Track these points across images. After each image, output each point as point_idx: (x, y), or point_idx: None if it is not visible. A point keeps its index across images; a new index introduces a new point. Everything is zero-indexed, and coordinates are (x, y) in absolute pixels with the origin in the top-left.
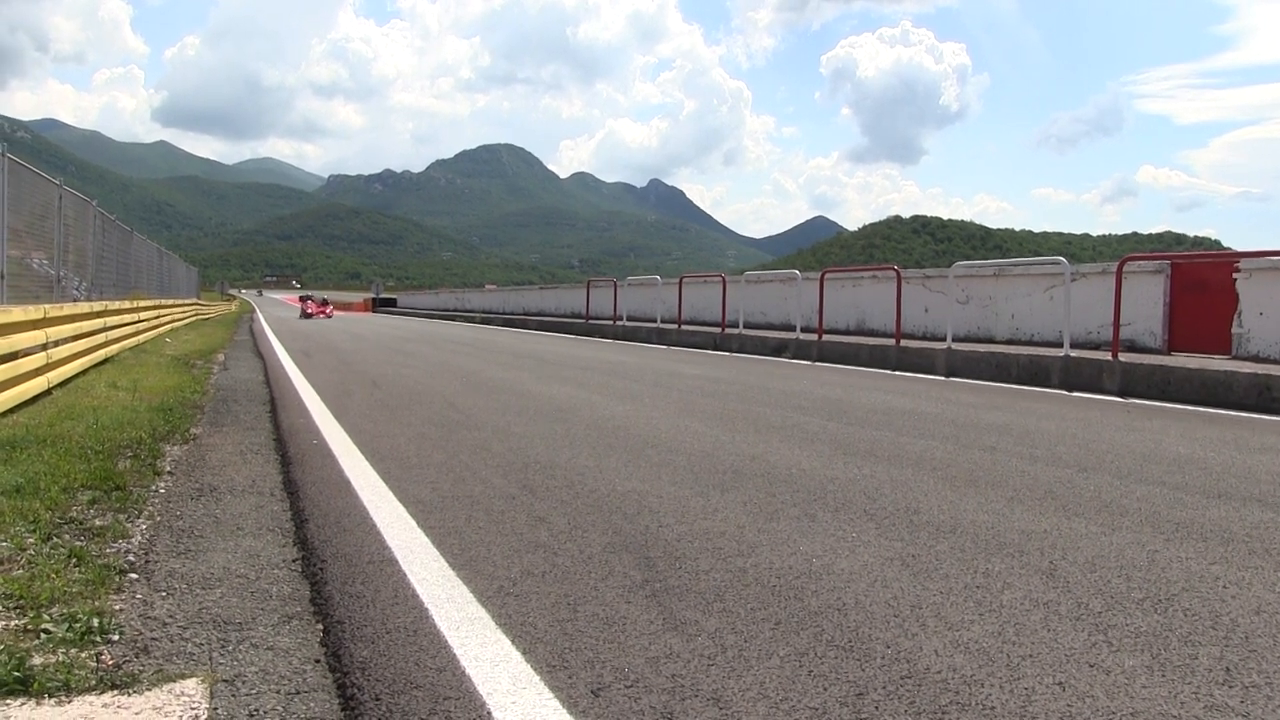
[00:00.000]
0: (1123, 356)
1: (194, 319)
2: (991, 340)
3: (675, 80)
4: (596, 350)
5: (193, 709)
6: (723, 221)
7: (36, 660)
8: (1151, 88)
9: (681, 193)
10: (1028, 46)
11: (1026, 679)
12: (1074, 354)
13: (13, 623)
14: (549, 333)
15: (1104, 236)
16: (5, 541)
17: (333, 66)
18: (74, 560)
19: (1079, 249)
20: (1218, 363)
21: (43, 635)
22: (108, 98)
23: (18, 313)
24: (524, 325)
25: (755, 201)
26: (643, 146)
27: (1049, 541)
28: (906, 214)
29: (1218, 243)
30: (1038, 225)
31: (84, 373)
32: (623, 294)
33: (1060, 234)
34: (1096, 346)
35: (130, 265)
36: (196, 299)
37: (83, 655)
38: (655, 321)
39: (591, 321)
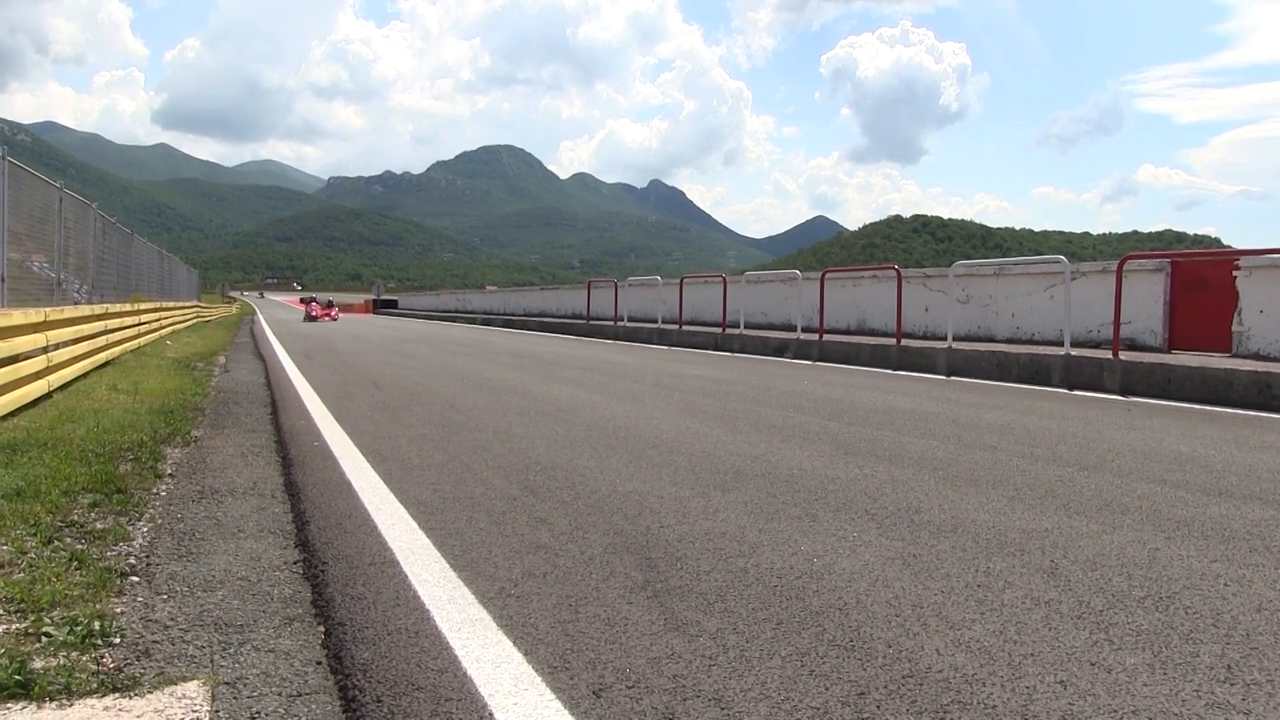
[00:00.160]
0: (1123, 355)
1: (195, 321)
2: (992, 339)
3: (675, 81)
4: (597, 351)
5: (194, 711)
6: (723, 222)
7: (38, 663)
8: (1151, 87)
9: (682, 193)
10: (1028, 46)
11: (1028, 678)
12: (1075, 353)
13: (14, 626)
14: (550, 334)
15: (1104, 235)
16: (6, 545)
17: (333, 68)
18: (75, 563)
19: (1079, 248)
20: (1218, 361)
21: (44, 638)
22: (108, 100)
23: (18, 316)
24: (525, 326)
25: (756, 202)
26: (643, 147)
27: (1050, 540)
28: (907, 214)
29: (1218, 241)
30: (1038, 224)
31: (85, 375)
32: (623, 295)
33: (1060, 233)
34: (1097, 345)
35: (131, 268)
36: (197, 301)
37: (84, 658)
38: (656, 322)
39: (592, 322)
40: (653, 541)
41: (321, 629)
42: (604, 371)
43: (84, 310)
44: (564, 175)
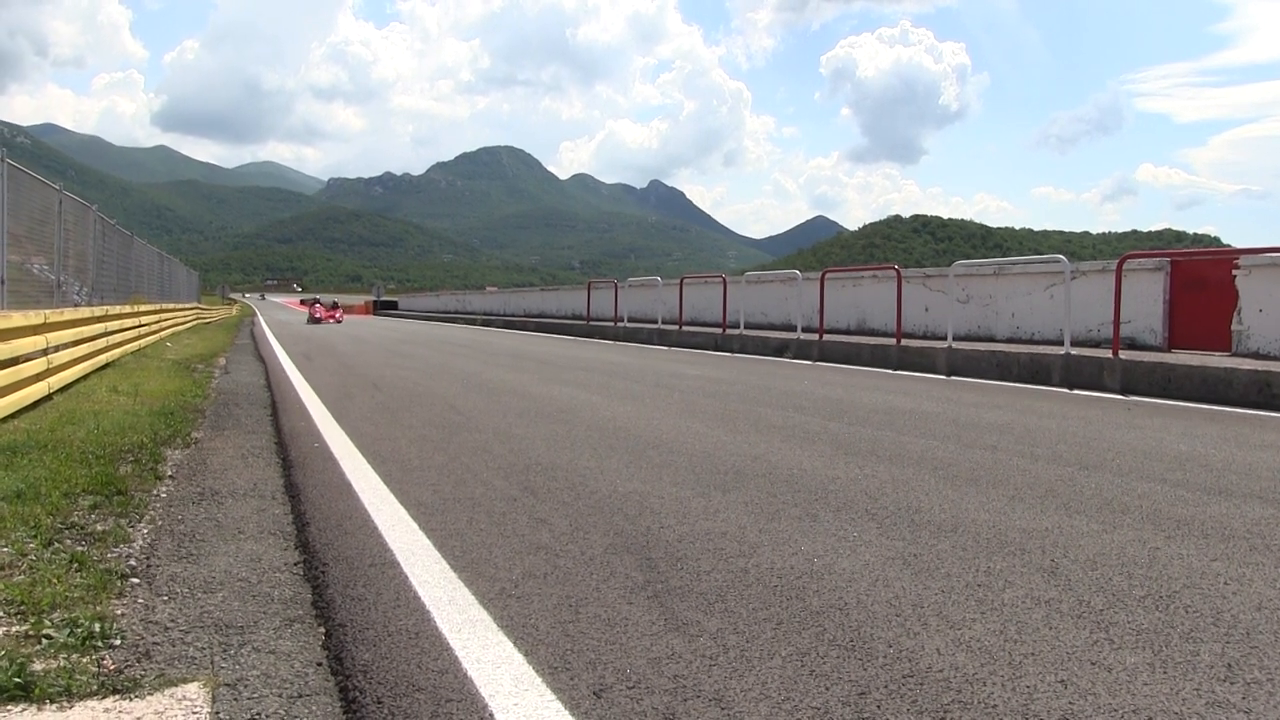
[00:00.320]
0: (1123, 354)
1: (195, 323)
2: (992, 339)
3: (675, 81)
4: (597, 351)
5: (195, 713)
6: (723, 222)
7: (38, 666)
8: (1151, 86)
9: (682, 193)
10: (1027, 46)
11: (1028, 677)
12: (1074, 352)
13: (14, 628)
14: (550, 334)
15: (1104, 235)
16: (6, 547)
17: (332, 69)
18: (75, 565)
19: (1079, 247)
20: (1218, 360)
21: (44, 641)
22: (107, 102)
23: (18, 318)
24: (525, 327)
25: (755, 202)
26: (643, 147)
27: (1050, 540)
28: (907, 214)
29: (1217, 240)
30: (1038, 224)
31: (85, 377)
32: (623, 295)
33: (1060, 232)
34: (1097, 344)
35: (131, 270)
36: (197, 303)
37: (84, 660)
38: (656, 322)
39: (592, 323)
40: (653, 542)
41: (322, 630)
42: (604, 372)
43: (84, 312)
44: (564, 176)
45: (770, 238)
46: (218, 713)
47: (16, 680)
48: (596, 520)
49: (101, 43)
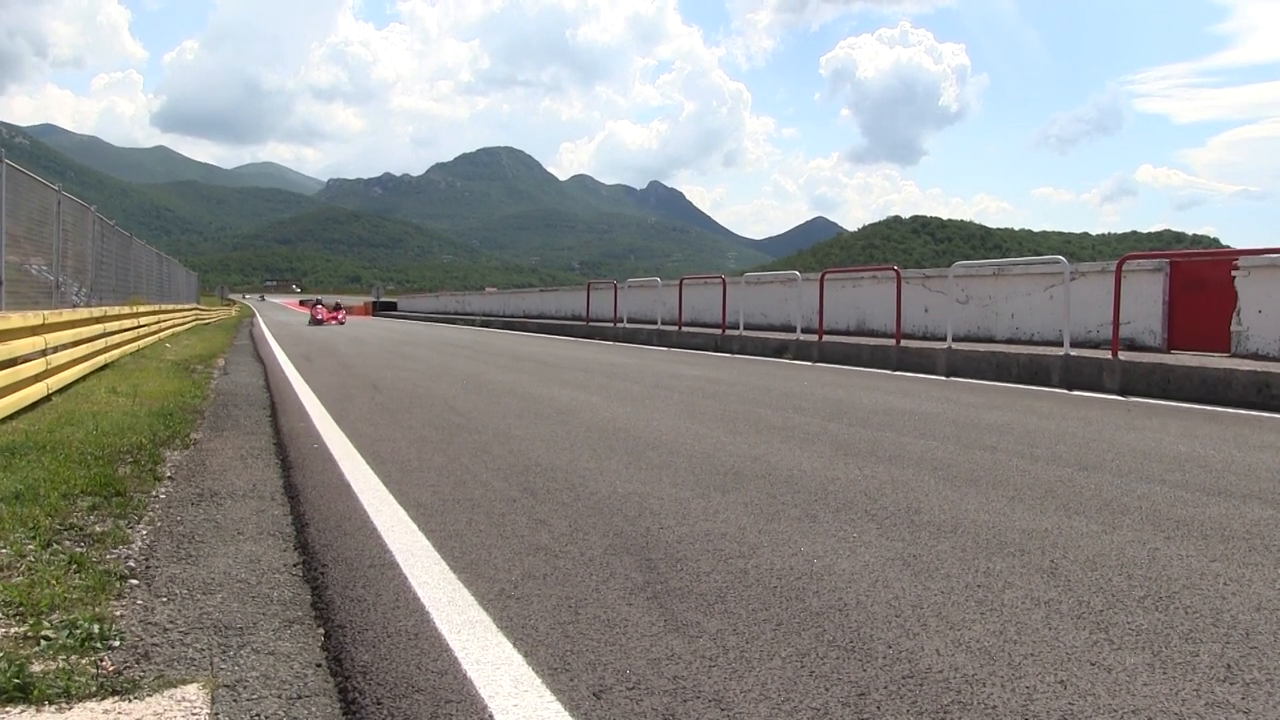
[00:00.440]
0: (1122, 355)
1: (194, 324)
2: (991, 340)
3: (675, 82)
4: (597, 352)
5: (194, 714)
6: (723, 223)
7: (36, 667)
8: (1150, 87)
9: (681, 194)
10: (1027, 46)
11: (1028, 678)
12: (1074, 353)
13: (13, 629)
14: (549, 335)
15: (1103, 235)
16: (5, 548)
17: (332, 70)
18: (74, 566)
19: (1078, 248)
20: (1217, 360)
21: (43, 642)
22: (106, 102)
23: (16, 319)
24: (524, 328)
25: (755, 203)
26: (642, 148)
27: (1050, 540)
28: (906, 214)
29: (1217, 241)
30: (1037, 225)
31: (84, 378)
32: (623, 296)
33: (1060, 233)
34: (1096, 345)
35: (129, 270)
36: (196, 304)
37: (83, 661)
38: (656, 323)
39: (592, 324)
40: (653, 543)
41: (321, 631)
42: (603, 373)
43: (83, 313)
44: (563, 177)
45: (770, 238)
46: (217, 714)
47: (15, 681)
48: (596, 521)
49: (101, 43)
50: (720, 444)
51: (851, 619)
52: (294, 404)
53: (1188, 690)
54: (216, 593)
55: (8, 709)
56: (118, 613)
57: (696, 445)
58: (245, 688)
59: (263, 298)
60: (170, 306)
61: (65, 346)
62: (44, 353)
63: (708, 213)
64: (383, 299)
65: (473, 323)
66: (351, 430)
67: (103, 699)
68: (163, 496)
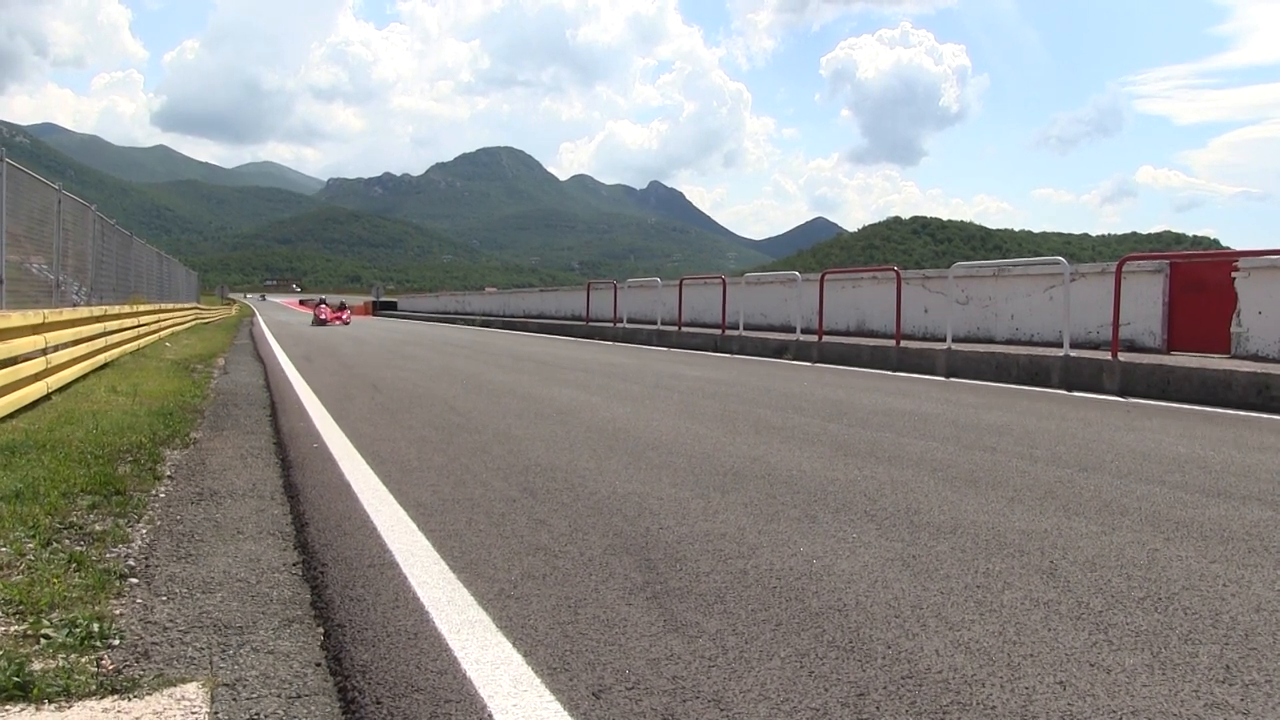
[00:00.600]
0: (1122, 356)
1: (194, 323)
2: (991, 341)
3: (675, 82)
4: (597, 352)
5: (193, 713)
6: (723, 223)
7: (36, 666)
8: (1150, 88)
9: (681, 195)
10: (1027, 47)
11: (1027, 678)
12: (1074, 354)
13: (12, 628)
14: (549, 335)
15: (1103, 236)
16: (5, 547)
17: (332, 70)
18: (74, 565)
19: (1078, 249)
20: (1217, 362)
21: (42, 640)
22: (107, 102)
23: (16, 318)
24: (524, 328)
25: (755, 203)
26: (643, 148)
27: (1049, 541)
28: (906, 215)
29: (1217, 242)
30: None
31: (83, 377)
32: (623, 296)
33: (1060, 234)
34: (1096, 346)
35: (130, 270)
36: (196, 303)
37: (83, 660)
38: (655, 323)
39: (592, 324)
40: (652, 543)
41: (321, 630)
42: (603, 373)
43: (83, 312)
44: (563, 177)
45: (770, 239)
46: (216, 713)
47: (15, 680)
48: (595, 521)
49: (101, 42)
50: (720, 444)
51: (851, 619)
52: (294, 403)
53: (1187, 691)
54: (216, 592)
55: (7, 707)
56: (117, 611)
57: (696, 445)
58: (244, 687)
59: (263, 297)
60: (170, 306)
61: (65, 345)
62: (44, 351)
63: (708, 213)
64: (383, 299)
65: (473, 323)
66: (351, 430)
67: (102, 698)
68: (162, 495)
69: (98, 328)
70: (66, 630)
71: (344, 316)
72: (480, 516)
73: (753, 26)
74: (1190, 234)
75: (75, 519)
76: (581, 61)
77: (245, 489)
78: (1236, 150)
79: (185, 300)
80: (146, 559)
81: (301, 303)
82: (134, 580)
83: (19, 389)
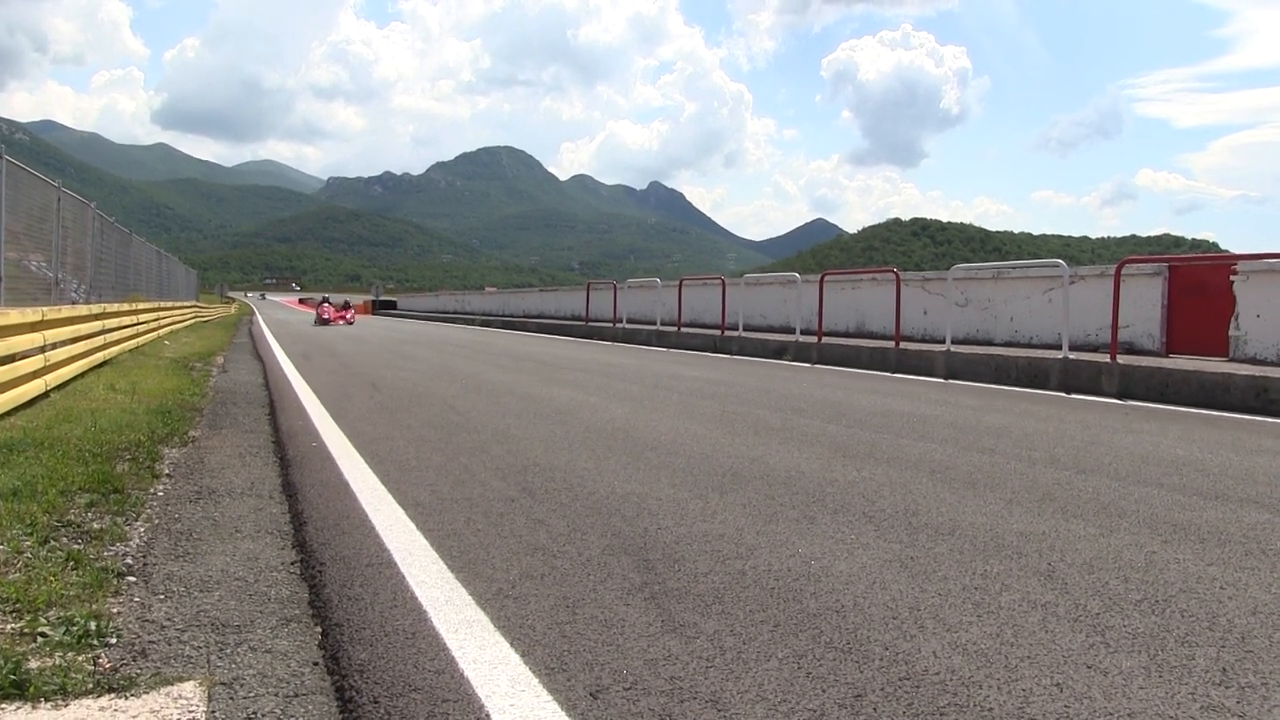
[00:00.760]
0: (1121, 359)
1: (193, 321)
2: (990, 343)
3: (676, 83)
4: (596, 353)
5: (190, 712)
6: (723, 224)
7: (33, 664)
8: (1150, 91)
9: (681, 195)
10: (1028, 50)
11: (1024, 680)
12: (1073, 356)
13: (9, 626)
14: (549, 335)
15: (1103, 239)
16: (2, 545)
17: (333, 69)
18: (71, 563)
19: (1078, 251)
20: (1215, 365)
21: (39, 639)
22: (107, 99)
23: (15, 315)
24: (524, 328)
25: (755, 204)
26: (643, 149)
27: (1047, 543)
28: (906, 217)
29: (1216, 245)
30: (1037, 228)
31: (82, 375)
32: (622, 296)
33: (1059, 236)
34: (1095, 349)
35: (129, 267)
36: (195, 302)
37: (80, 658)
38: (655, 324)
39: (591, 324)
40: (650, 543)
41: (318, 630)
42: (602, 373)
43: (82, 310)
44: (564, 177)
45: (770, 240)
46: (213, 712)
47: (12, 678)
48: (594, 521)
49: (102, 40)
50: (719, 445)
51: (848, 620)
52: (293, 402)
53: (1183, 694)
54: (214, 590)
55: (4, 706)
56: (115, 610)
57: (695, 446)
58: (242, 685)
59: (263, 296)
60: (169, 304)
61: (64, 343)
62: (43, 349)
63: (708, 214)
64: (382, 298)
65: (472, 322)
66: (350, 429)
67: (99, 696)
68: (161, 494)
69: (96, 325)
70: (64, 628)
71: (348, 316)
72: (479, 516)
73: (754, 27)
74: (1189, 237)
75: (73, 517)
76: (582, 61)
77: (243, 488)
78: (1236, 153)
79: (184, 299)
80: (144, 557)
81: (301, 301)
82: (131, 579)
83: (17, 386)
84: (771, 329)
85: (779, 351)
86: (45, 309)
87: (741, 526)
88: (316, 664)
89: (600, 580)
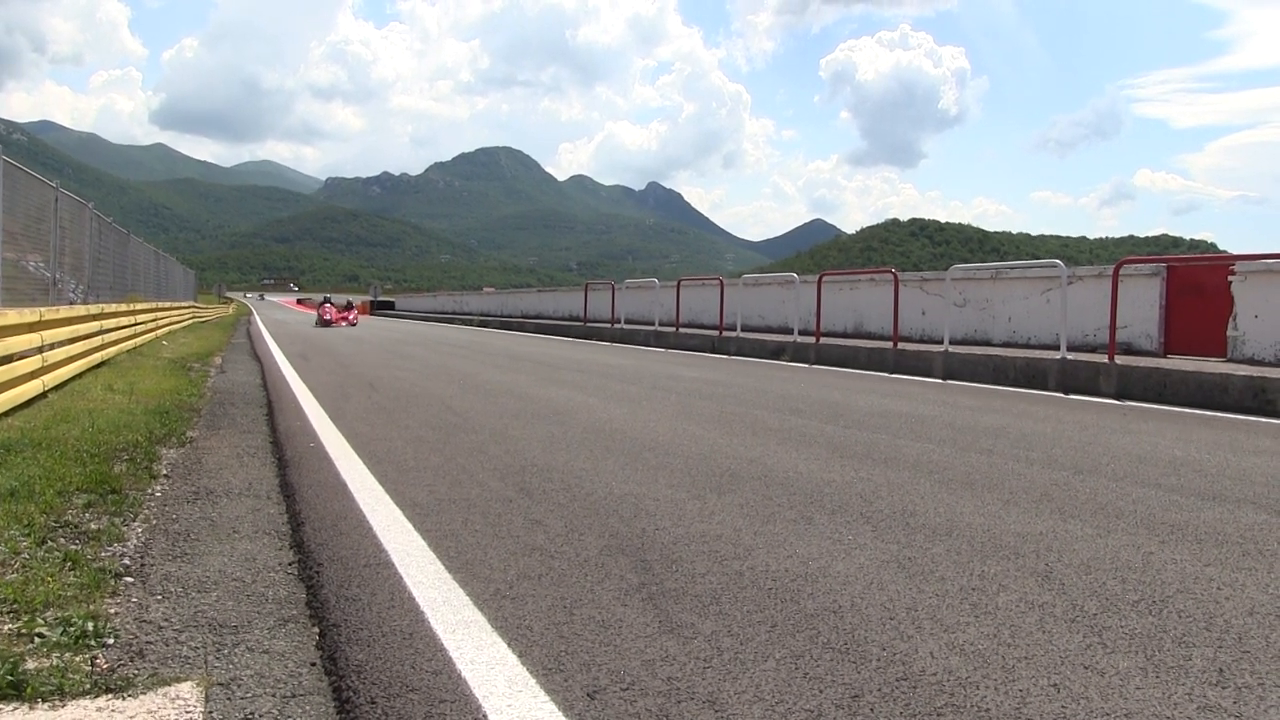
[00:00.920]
0: (1119, 359)
1: (191, 322)
2: (988, 343)
3: (674, 83)
4: (594, 353)
5: (188, 713)
6: (721, 224)
7: (30, 664)
8: (1149, 91)
9: (680, 195)
10: (1026, 50)
11: (1021, 680)
12: (1071, 357)
13: (6, 627)
14: (547, 335)
15: (1101, 239)
16: (0, 545)
17: (331, 69)
18: (69, 564)
19: (1076, 252)
20: (1213, 365)
21: (37, 639)
22: (105, 100)
23: (13, 315)
24: (522, 328)
25: (754, 204)
26: (642, 149)
27: (1045, 544)
28: (905, 217)
29: (1214, 246)
30: (1036, 228)
31: (80, 376)
32: (621, 297)
33: (1058, 237)
34: (1093, 349)
35: (127, 268)
36: (193, 302)
37: (77, 659)
38: (653, 324)
39: (589, 324)
40: (648, 544)
41: (316, 630)
42: (600, 374)
43: (79, 310)
44: (562, 177)
45: (768, 240)
46: (211, 712)
47: (9, 679)
48: (592, 522)
49: (100, 40)
50: (716, 445)
51: (846, 621)
52: (291, 403)
53: (1180, 694)
54: (211, 591)
55: (1, 707)
56: (112, 610)
57: (693, 446)
58: (239, 686)
59: (262, 296)
60: (167, 304)
61: (62, 344)
62: (40, 350)
63: (706, 214)
64: (380, 298)
65: (470, 323)
66: (348, 429)
67: (96, 697)
68: (158, 494)
69: (94, 326)
70: (61, 629)
71: (350, 317)
72: (476, 517)
73: (752, 28)
74: (1188, 237)
75: (71, 517)
76: (581, 62)
77: (241, 488)
78: (1234, 154)
79: (182, 299)
80: (142, 558)
81: (299, 302)
82: (129, 579)
83: (15, 387)
84: (770, 329)
85: (777, 352)
86: (43, 309)
87: (739, 527)
88: (314, 664)
89: (598, 581)
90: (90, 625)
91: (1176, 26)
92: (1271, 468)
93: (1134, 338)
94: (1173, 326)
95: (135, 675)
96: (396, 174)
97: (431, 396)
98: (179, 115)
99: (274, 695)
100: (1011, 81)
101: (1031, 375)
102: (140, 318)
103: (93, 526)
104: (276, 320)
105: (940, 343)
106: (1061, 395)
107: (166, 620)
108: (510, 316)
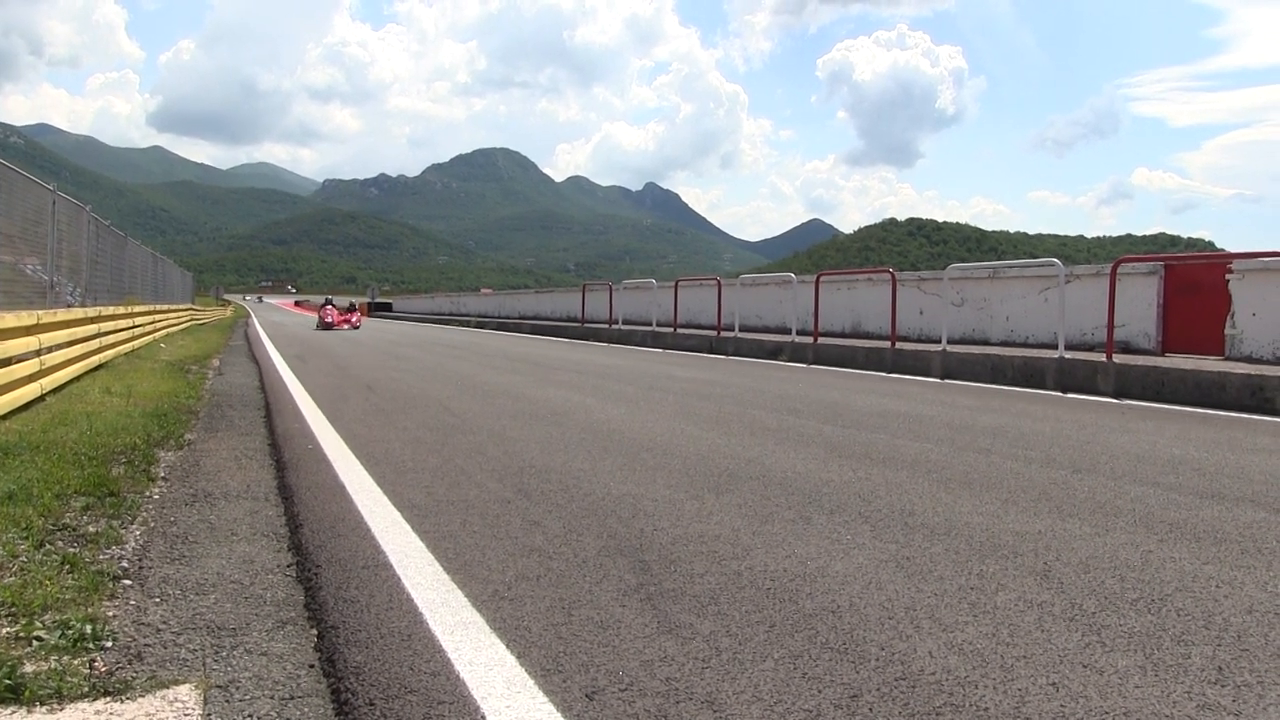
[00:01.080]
0: (1117, 358)
1: (189, 324)
2: (986, 342)
3: (672, 84)
4: (592, 354)
5: (186, 715)
6: (719, 225)
7: (28, 668)
8: (1146, 90)
9: (677, 196)
10: (1024, 49)
11: (1020, 680)
12: (1068, 356)
13: (5, 630)
14: (544, 336)
15: (1099, 238)
16: None
17: (328, 71)
18: (67, 567)
19: (1074, 251)
20: (1211, 364)
21: (35, 642)
22: (102, 102)
23: (10, 319)
24: (519, 329)
25: (752, 205)
26: (639, 150)
27: (1043, 543)
28: (902, 217)
29: (1211, 244)
30: (1033, 228)
31: (78, 378)
32: (618, 297)
33: (1055, 236)
34: (1091, 348)
35: (124, 270)
36: (191, 304)
37: (75, 662)
38: (651, 325)
39: (587, 325)
40: (646, 544)
41: (314, 632)
42: (598, 374)
43: (77, 313)
44: (559, 178)
45: (766, 240)
46: (209, 715)
47: (7, 682)
48: (590, 523)
49: (97, 43)
50: (714, 446)
51: (844, 621)
52: (288, 405)
53: (1179, 692)
54: (210, 593)
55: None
56: (110, 613)
57: (691, 447)
58: (238, 688)
59: (259, 299)
60: (165, 307)
61: (60, 346)
62: (38, 353)
63: (704, 214)
64: (378, 300)
65: (468, 324)
66: (346, 431)
67: (95, 700)
68: (156, 497)
69: (92, 329)
70: (59, 632)
71: (353, 320)
72: (474, 518)
73: (750, 28)
74: (1185, 236)
75: (69, 520)
76: (578, 63)
77: (239, 490)
78: (1231, 153)
79: (180, 301)
80: (140, 561)
81: (297, 304)
82: (127, 582)
83: (13, 390)
84: (767, 330)
85: (775, 352)
86: (40, 312)
87: (737, 527)
88: (312, 666)
89: (596, 581)
90: (88, 628)
91: (1173, 25)
92: (1270, 466)
93: (1132, 336)
94: (1170, 325)
95: (134, 678)
96: (394, 176)
97: (429, 398)
98: (176, 118)
99: (272, 697)
100: (1009, 81)
101: (1030, 374)
102: (138, 320)
103: (91, 529)
104: (274, 322)
105: (938, 342)
106: (1060, 394)
107: (165, 623)
108: (508, 318)
